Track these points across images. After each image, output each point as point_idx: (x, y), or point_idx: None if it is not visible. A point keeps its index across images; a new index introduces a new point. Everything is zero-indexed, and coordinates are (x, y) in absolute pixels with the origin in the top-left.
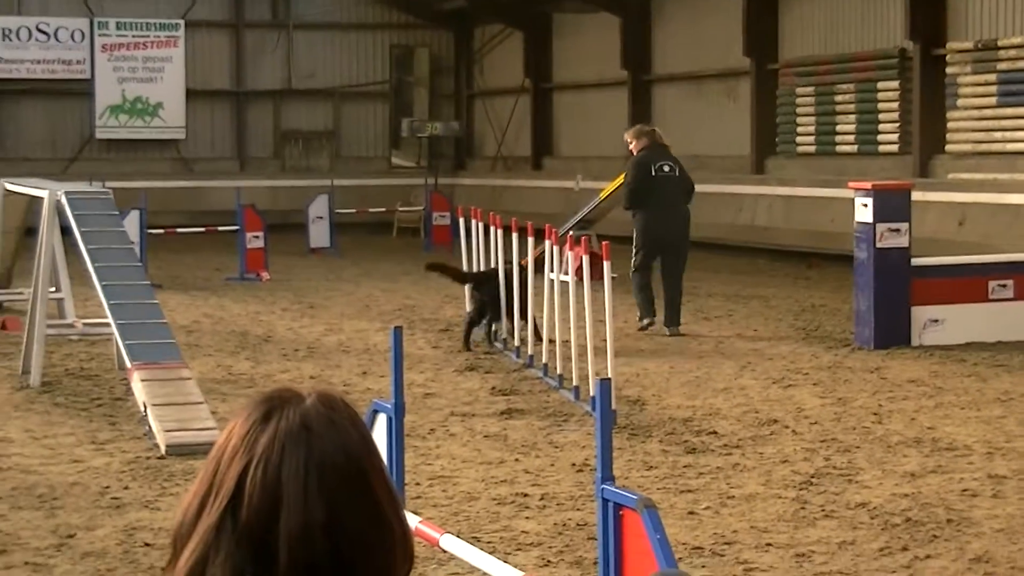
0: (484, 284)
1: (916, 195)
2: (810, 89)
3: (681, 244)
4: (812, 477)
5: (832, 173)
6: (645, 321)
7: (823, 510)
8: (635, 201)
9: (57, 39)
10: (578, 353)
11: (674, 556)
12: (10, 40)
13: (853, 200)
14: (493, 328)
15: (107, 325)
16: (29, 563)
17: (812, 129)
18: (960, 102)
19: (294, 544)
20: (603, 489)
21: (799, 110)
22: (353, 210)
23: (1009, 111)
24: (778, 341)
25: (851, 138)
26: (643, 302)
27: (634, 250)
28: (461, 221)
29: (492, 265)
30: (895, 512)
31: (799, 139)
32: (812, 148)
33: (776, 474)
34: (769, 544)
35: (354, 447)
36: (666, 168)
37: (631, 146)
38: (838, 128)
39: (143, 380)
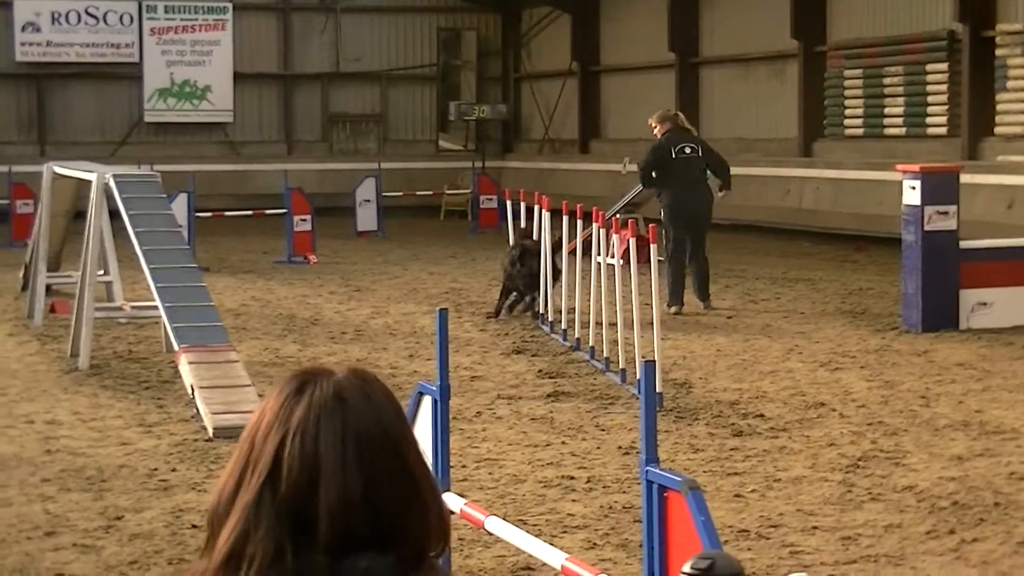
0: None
1: (964, 178)
2: (858, 71)
3: (704, 219)
4: (859, 460)
5: (880, 156)
6: (672, 309)
7: (870, 493)
8: (647, 181)
9: (106, 22)
10: (624, 336)
11: (719, 538)
12: (59, 24)
13: (901, 183)
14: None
15: (155, 308)
16: (77, 544)
17: (860, 112)
18: (1010, 84)
19: (335, 514)
20: (647, 471)
21: (847, 92)
22: (400, 193)
23: None
24: (825, 324)
25: (899, 120)
26: (674, 290)
27: (664, 231)
28: (508, 204)
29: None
30: (942, 495)
31: (847, 122)
32: (860, 131)
33: (823, 457)
34: (815, 527)
35: (389, 419)
36: (687, 150)
37: (655, 131)
38: (886, 111)
39: (191, 363)
